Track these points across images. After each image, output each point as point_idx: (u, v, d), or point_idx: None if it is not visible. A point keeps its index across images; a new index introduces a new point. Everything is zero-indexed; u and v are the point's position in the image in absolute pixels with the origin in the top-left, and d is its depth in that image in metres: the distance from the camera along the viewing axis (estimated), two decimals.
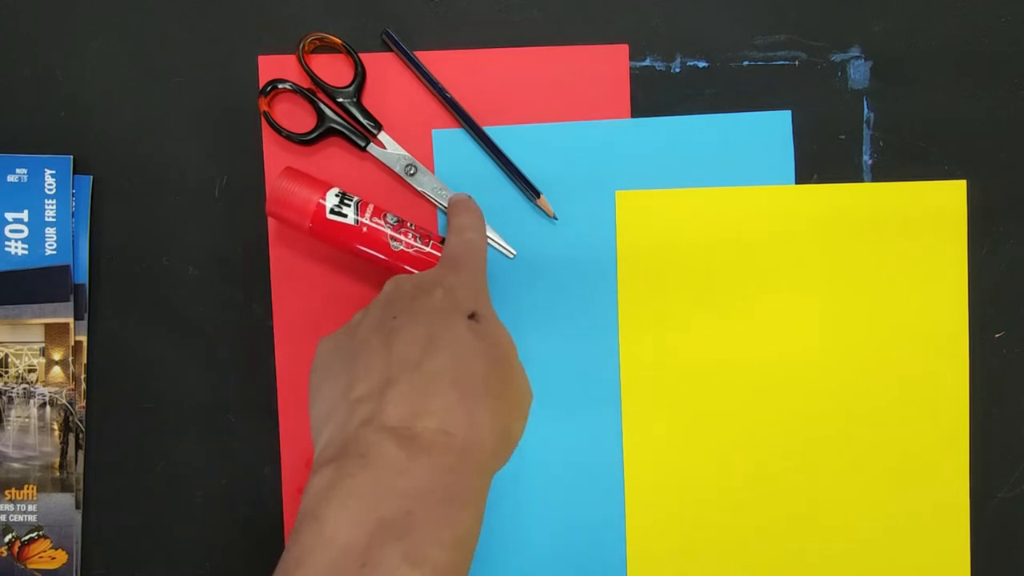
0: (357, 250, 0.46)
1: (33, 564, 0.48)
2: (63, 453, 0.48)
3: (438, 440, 0.32)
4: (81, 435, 0.49)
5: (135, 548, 0.50)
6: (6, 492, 0.48)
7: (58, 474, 0.48)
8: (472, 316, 0.36)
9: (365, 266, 0.50)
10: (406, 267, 0.46)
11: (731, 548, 0.51)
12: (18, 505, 0.48)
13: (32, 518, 0.48)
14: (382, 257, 0.46)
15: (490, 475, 0.34)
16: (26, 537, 0.48)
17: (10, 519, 0.48)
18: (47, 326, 0.48)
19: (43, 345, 0.48)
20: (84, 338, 0.48)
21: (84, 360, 0.49)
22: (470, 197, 0.48)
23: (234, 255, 0.50)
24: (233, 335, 0.50)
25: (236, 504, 0.50)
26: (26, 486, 0.48)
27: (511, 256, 0.50)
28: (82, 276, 0.48)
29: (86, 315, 0.49)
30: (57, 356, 0.48)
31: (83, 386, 0.49)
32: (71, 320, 0.48)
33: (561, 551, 0.50)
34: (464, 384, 0.34)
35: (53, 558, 0.48)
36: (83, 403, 0.49)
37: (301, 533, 0.30)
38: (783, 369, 0.51)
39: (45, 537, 0.48)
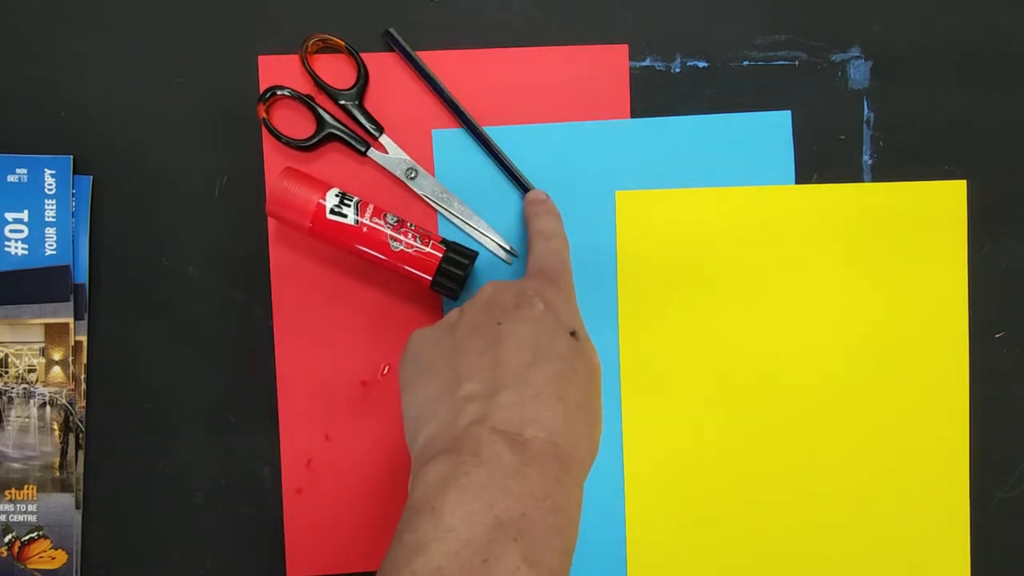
0: (357, 250, 0.46)
1: (33, 564, 0.48)
2: (63, 453, 0.48)
3: (547, 449, 0.33)
4: (81, 435, 0.49)
5: (135, 548, 0.50)
6: (6, 492, 0.48)
7: (58, 474, 0.48)
8: (573, 334, 0.38)
9: (365, 266, 0.50)
10: (406, 267, 0.46)
11: (731, 547, 0.51)
12: (18, 505, 0.48)
13: (32, 518, 0.48)
14: (382, 257, 0.46)
15: (582, 488, 0.35)
16: (26, 537, 0.48)
17: (10, 519, 0.48)
18: (47, 326, 0.48)
19: (43, 345, 0.48)
20: (84, 338, 0.48)
21: (84, 360, 0.49)
22: (548, 197, 0.48)
23: (234, 255, 0.50)
24: (233, 335, 0.50)
25: (236, 504, 0.50)
26: (26, 486, 0.48)
27: (514, 257, 0.50)
28: (82, 276, 0.48)
29: (86, 315, 0.49)
30: (57, 356, 0.48)
31: (83, 386, 0.49)
32: (71, 320, 0.48)
33: None
34: (568, 400, 0.35)
35: (53, 558, 0.48)
36: (83, 403, 0.49)
37: (418, 522, 0.31)
38: (783, 369, 0.51)
39: (45, 537, 0.48)
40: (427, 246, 0.46)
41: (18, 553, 0.48)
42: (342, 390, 0.50)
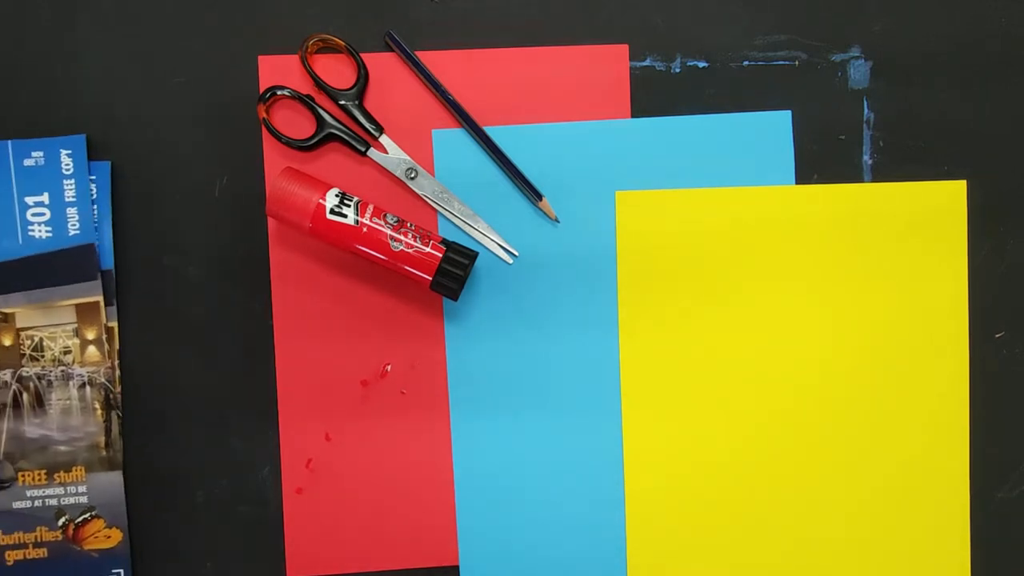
0: (357, 250, 0.46)
1: (89, 545, 0.48)
2: (107, 431, 0.48)
3: None
4: (119, 415, 0.49)
5: (135, 548, 0.50)
6: (55, 475, 0.48)
7: (104, 453, 0.48)
8: None
9: (365, 266, 0.50)
10: (406, 267, 0.46)
11: (731, 548, 0.51)
12: (68, 488, 0.48)
13: (83, 499, 0.48)
14: (382, 257, 0.46)
15: None
16: (80, 519, 0.48)
17: (62, 502, 0.48)
18: (78, 306, 0.48)
19: (76, 326, 0.48)
20: (115, 324, 0.49)
21: (117, 345, 0.49)
22: None
23: (234, 255, 0.50)
24: (233, 335, 0.50)
25: (236, 504, 0.50)
26: (74, 468, 0.48)
27: (515, 256, 0.50)
28: (108, 262, 0.48)
29: (115, 301, 0.49)
30: (91, 336, 0.48)
31: (117, 372, 0.49)
32: (100, 298, 0.48)
33: (561, 551, 0.50)
34: None
35: (108, 537, 0.49)
36: (119, 388, 0.49)
37: None
38: (783, 369, 0.51)
39: (98, 517, 0.48)
40: (427, 246, 0.46)
41: (73, 535, 0.48)
42: (342, 390, 0.50)
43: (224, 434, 0.50)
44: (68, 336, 0.48)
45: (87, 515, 0.48)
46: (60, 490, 0.48)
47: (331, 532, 0.50)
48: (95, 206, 0.48)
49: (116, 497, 0.49)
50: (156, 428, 0.49)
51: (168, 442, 0.50)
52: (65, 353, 0.48)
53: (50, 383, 0.48)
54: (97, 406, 0.48)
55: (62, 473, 0.48)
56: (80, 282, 0.48)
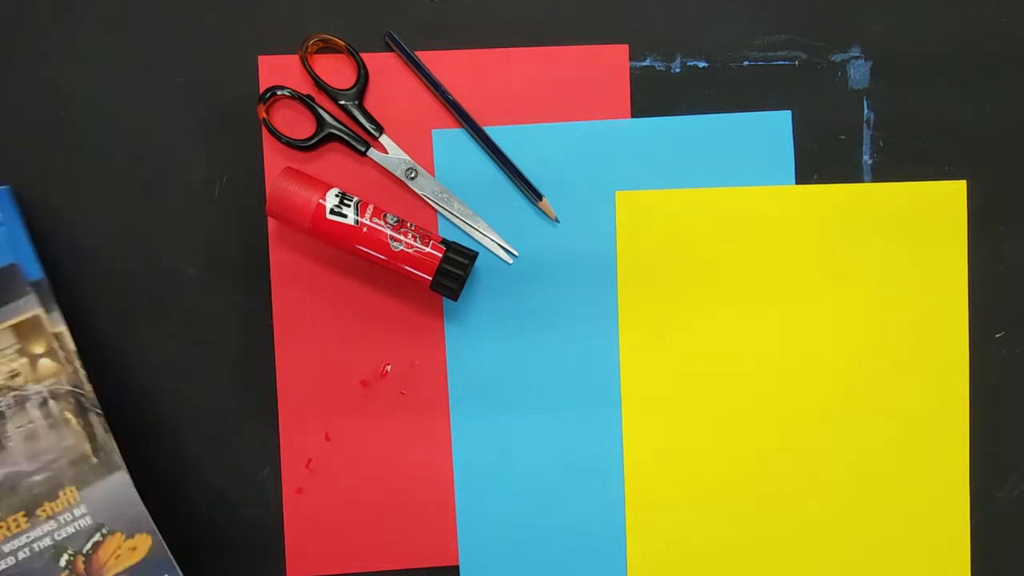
0: (357, 250, 0.46)
1: (113, 568, 0.42)
2: (90, 437, 0.43)
3: None
4: (99, 413, 0.44)
5: None
6: (38, 512, 0.41)
7: (95, 460, 0.43)
8: None
9: (365, 266, 0.50)
10: (406, 267, 0.46)
11: (731, 548, 0.51)
12: (61, 517, 0.42)
13: (86, 520, 0.42)
14: (382, 257, 0.46)
15: None
16: (88, 546, 0.42)
17: (56, 537, 0.41)
18: (14, 327, 0.44)
19: (19, 346, 0.44)
20: (63, 328, 0.45)
21: (72, 347, 0.45)
22: None
23: (234, 255, 0.50)
24: (233, 335, 0.50)
25: (236, 504, 0.50)
26: (62, 493, 0.42)
27: (515, 256, 0.50)
28: (36, 273, 0.45)
29: (55, 307, 0.45)
30: (39, 350, 0.44)
31: (83, 371, 0.44)
32: (40, 311, 0.44)
33: (561, 551, 0.50)
34: None
35: (133, 548, 0.42)
36: (90, 387, 0.44)
37: None
38: (783, 369, 0.51)
39: (112, 532, 0.42)
40: (427, 246, 0.46)
41: (86, 567, 0.42)
42: (342, 390, 0.50)
43: (224, 434, 0.50)
44: (12, 359, 0.44)
45: (97, 537, 0.42)
46: (51, 525, 0.41)
47: (331, 532, 0.50)
48: (4, 228, 0.45)
49: (127, 500, 0.42)
50: (155, 429, 0.49)
51: (168, 442, 0.50)
52: (13, 377, 0.43)
53: (2, 415, 0.42)
54: (68, 415, 0.43)
55: (47, 505, 0.41)
56: (9, 303, 0.44)
